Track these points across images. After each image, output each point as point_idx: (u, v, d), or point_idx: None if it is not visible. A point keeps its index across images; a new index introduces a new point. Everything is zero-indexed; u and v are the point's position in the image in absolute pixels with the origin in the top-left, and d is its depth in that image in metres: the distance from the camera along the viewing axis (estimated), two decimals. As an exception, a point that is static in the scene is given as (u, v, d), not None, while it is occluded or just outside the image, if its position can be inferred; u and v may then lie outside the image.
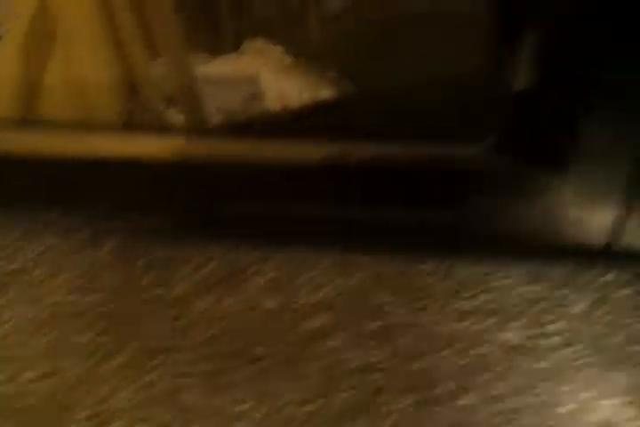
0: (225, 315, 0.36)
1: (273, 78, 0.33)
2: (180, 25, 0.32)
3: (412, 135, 0.31)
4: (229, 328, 0.35)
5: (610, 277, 0.35)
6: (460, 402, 0.31)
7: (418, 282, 0.36)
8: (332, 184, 0.32)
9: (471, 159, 0.30)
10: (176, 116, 0.36)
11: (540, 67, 0.26)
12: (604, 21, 0.24)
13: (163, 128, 0.35)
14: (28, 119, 0.37)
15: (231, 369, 0.33)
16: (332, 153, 0.31)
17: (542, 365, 0.32)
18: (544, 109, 0.28)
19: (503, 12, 0.27)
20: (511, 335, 0.33)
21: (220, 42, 0.34)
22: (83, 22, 0.33)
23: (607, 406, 0.31)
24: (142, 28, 0.33)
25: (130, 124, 0.36)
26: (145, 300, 0.37)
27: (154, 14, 0.32)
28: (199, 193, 0.36)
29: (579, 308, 0.34)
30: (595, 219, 0.31)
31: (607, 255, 0.33)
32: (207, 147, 0.34)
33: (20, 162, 0.36)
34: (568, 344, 0.33)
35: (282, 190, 0.33)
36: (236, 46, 0.34)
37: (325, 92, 0.32)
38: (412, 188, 0.31)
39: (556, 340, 0.33)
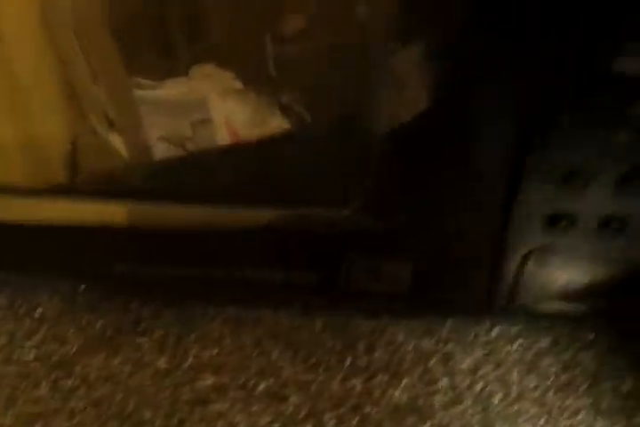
0: (111, 376, 0.35)
1: (221, 104, 0.33)
2: (118, 49, 0.31)
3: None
4: (115, 390, 0.34)
5: (496, 332, 0.36)
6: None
7: (312, 338, 0.36)
8: (211, 246, 0.32)
9: (339, 221, 0.30)
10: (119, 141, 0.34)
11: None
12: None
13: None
14: None
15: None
16: (206, 218, 0.31)
17: (428, 424, 0.32)
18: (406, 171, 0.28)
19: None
20: (399, 393, 0.33)
21: (168, 66, 0.33)
22: (26, 55, 0.33)
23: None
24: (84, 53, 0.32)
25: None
26: (26, 361, 0.36)
27: (91, 36, 0.31)
28: (93, 254, 0.35)
29: (466, 364, 0.34)
30: (471, 276, 0.31)
31: (491, 311, 0.34)
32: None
33: None
34: (455, 402, 0.33)
35: (166, 253, 0.33)
36: (184, 71, 0.32)
37: (275, 119, 0.32)
38: (285, 249, 0.32)
39: (443, 397, 0.33)
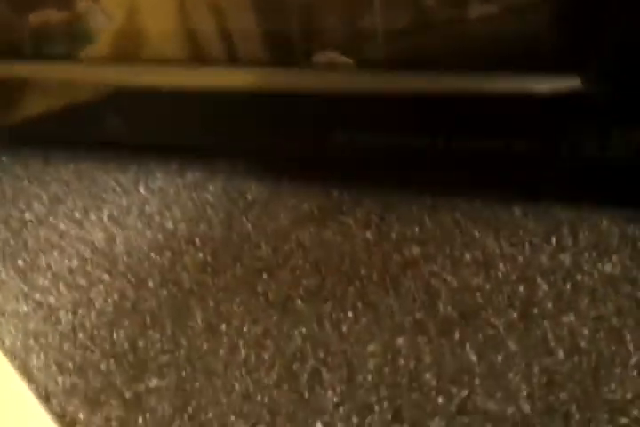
0: (325, 244, 0.37)
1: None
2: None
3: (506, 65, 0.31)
4: (331, 254, 0.37)
5: None
6: (563, 319, 0.31)
7: (512, 221, 0.37)
8: (422, 116, 0.34)
9: (569, 89, 0.30)
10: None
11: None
12: None
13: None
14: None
15: (335, 285, 0.35)
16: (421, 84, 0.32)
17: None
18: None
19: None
20: (610, 267, 0.33)
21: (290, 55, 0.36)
22: None
23: None
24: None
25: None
26: (246, 232, 0.39)
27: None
28: (304, 124, 0.37)
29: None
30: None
31: None
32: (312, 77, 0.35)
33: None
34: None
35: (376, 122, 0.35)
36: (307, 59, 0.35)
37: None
38: (507, 118, 0.33)
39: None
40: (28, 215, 0.44)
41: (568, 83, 0.31)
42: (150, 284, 0.36)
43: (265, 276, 0.36)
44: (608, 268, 0.34)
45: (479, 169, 0.37)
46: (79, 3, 0.39)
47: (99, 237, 0.41)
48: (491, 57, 0.32)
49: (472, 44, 0.33)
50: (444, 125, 0.35)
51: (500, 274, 0.34)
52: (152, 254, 0.38)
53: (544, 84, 0.31)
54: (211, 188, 0.43)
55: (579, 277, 0.33)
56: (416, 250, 0.36)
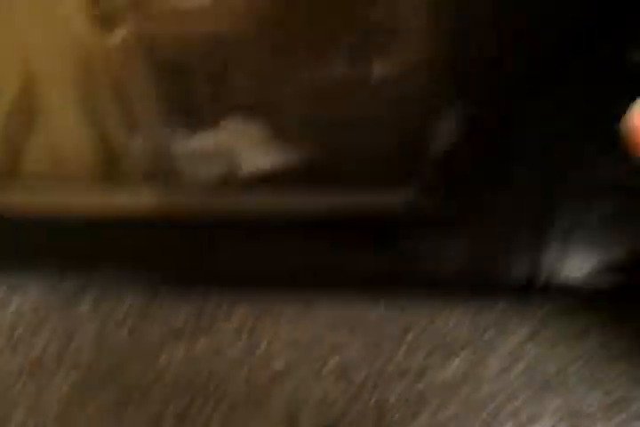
0: (196, 361, 0.39)
1: (249, 154, 0.35)
2: (158, 101, 0.34)
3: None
4: (201, 373, 0.38)
5: (543, 310, 0.39)
6: (414, 424, 0.34)
7: (372, 322, 0.40)
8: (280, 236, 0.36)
9: (397, 205, 0.33)
10: (151, 191, 0.38)
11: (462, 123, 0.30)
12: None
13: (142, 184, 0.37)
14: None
15: (202, 406, 0.36)
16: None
17: (482, 392, 0.35)
18: (463, 157, 0.32)
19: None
20: (455, 366, 0.37)
21: (198, 119, 0.35)
22: (64, 98, 0.36)
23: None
24: (121, 104, 0.35)
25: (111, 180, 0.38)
26: (121, 349, 0.40)
27: (133, 91, 0.35)
28: (175, 248, 0.39)
29: (516, 339, 0.38)
30: (515, 256, 0.35)
31: (537, 290, 0.38)
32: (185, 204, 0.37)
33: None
34: (506, 370, 0.36)
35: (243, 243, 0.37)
36: (214, 123, 0.35)
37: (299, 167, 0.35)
38: (346, 235, 0.35)
39: (494, 369, 0.36)
40: None
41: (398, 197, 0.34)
42: (13, 422, 0.36)
43: (137, 396, 0.36)
44: (456, 363, 0.37)
45: (338, 277, 0.40)
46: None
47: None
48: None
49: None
50: (296, 241, 0.37)
51: (357, 381, 0.36)
52: (18, 385, 0.38)
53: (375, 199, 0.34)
54: (85, 300, 0.43)
55: (428, 377, 0.36)
56: (281, 363, 0.38)
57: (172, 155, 0.36)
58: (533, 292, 0.38)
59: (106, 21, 0.33)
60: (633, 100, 0.25)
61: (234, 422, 0.35)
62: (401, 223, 0.34)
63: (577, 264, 0.35)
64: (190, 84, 0.34)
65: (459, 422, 0.34)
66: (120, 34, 0.33)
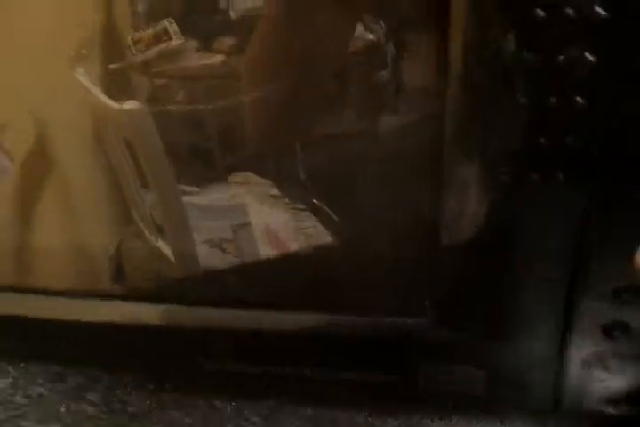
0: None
1: (259, 209, 0.34)
2: (170, 159, 0.34)
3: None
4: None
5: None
6: None
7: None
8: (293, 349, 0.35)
9: (414, 331, 0.33)
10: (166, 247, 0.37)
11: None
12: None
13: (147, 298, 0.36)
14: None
15: None
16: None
17: None
18: (477, 284, 0.31)
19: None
20: None
21: (208, 174, 0.36)
22: (77, 162, 0.37)
23: None
24: (135, 164, 0.36)
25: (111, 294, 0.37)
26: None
27: (144, 153, 0.35)
28: (180, 353, 0.37)
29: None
30: (538, 380, 0.34)
31: (558, 414, 0.35)
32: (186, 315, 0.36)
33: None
34: None
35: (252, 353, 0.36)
36: (224, 178, 0.35)
37: (308, 223, 0.34)
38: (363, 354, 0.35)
39: None
40: None
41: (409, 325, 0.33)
42: None
43: None
44: None
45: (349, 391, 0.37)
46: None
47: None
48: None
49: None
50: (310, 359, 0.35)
51: None
52: None
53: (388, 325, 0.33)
54: (91, 397, 0.38)
55: None
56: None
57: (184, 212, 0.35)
58: (552, 415, 0.35)
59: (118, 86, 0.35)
60: None
61: None
62: (417, 346, 0.33)
63: (596, 390, 0.33)
64: (201, 139, 0.35)
65: None
66: (128, 103, 0.34)
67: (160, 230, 0.37)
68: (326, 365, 0.35)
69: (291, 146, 0.32)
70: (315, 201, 0.33)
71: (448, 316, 0.32)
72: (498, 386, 0.34)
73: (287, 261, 0.35)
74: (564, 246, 0.29)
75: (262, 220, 0.34)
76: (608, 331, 0.31)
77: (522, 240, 0.29)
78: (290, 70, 0.31)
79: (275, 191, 0.34)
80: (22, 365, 0.42)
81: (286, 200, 0.34)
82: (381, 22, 0.30)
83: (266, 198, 0.34)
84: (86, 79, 0.33)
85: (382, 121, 0.31)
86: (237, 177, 0.35)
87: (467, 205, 0.28)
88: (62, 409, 0.39)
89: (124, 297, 0.36)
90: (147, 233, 0.37)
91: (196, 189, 0.35)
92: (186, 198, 0.35)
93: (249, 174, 0.34)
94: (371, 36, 0.30)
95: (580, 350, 0.32)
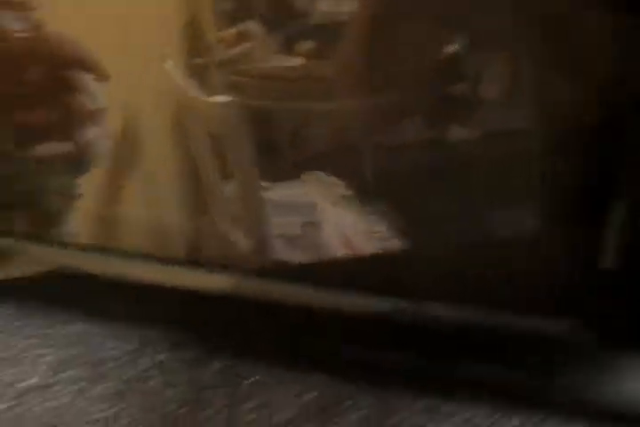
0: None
1: (329, 208, 0.36)
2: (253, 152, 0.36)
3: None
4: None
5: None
6: None
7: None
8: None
9: (556, 334, 0.31)
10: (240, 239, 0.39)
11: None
12: None
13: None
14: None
15: None
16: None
17: None
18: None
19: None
20: None
21: (281, 170, 0.37)
22: (160, 151, 0.39)
23: None
24: (217, 157, 0.38)
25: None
26: (246, 422, 0.39)
27: (232, 144, 0.36)
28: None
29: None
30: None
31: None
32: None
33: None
34: None
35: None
36: (296, 176, 0.37)
37: (379, 226, 0.35)
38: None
39: None
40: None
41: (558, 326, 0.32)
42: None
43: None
44: None
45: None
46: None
47: (99, 416, 0.41)
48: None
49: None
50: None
51: None
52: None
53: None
54: (211, 367, 0.42)
55: None
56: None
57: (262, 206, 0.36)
58: None
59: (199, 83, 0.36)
60: None
61: None
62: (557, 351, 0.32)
63: None
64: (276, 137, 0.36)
65: None
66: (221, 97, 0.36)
67: (236, 223, 0.38)
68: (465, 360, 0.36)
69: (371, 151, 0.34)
70: (385, 206, 0.35)
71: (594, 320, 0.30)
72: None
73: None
74: None
75: (332, 219, 0.36)
76: None
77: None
78: (379, 75, 0.31)
79: (346, 192, 0.35)
80: (145, 331, 0.46)
81: (357, 202, 0.35)
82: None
83: (337, 199, 0.35)
84: (176, 72, 0.36)
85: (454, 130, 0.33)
86: (309, 176, 0.36)
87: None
88: (184, 376, 0.44)
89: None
90: (221, 225, 0.39)
91: (269, 184, 0.37)
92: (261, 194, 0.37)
93: (321, 174, 0.35)
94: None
95: None
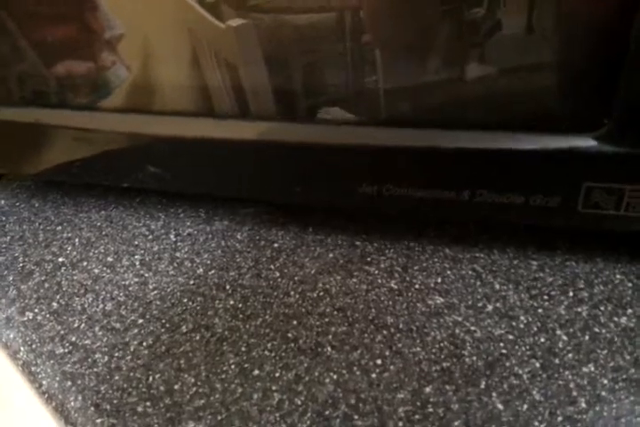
0: (351, 292, 0.39)
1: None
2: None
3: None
4: (357, 302, 0.38)
5: None
6: (583, 369, 0.33)
7: (530, 274, 0.39)
8: (444, 171, 0.36)
9: (586, 149, 0.32)
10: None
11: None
12: None
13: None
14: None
15: (363, 332, 0.36)
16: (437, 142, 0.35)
17: (658, 344, 0.34)
18: None
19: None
20: (626, 319, 0.35)
21: (295, 110, 0.38)
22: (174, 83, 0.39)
23: None
24: (234, 89, 0.38)
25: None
26: (274, 280, 0.41)
27: (247, 75, 0.37)
28: (332, 177, 0.39)
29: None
30: None
31: None
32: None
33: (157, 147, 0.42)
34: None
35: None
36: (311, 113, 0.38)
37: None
38: (527, 174, 0.35)
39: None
40: (61, 259, 0.46)
41: (582, 143, 0.33)
42: (184, 328, 0.38)
43: (294, 322, 0.37)
44: (624, 320, 0.35)
45: (499, 222, 0.39)
46: (101, 55, 0.41)
47: (132, 281, 0.43)
48: (503, 117, 0.35)
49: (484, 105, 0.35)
50: (467, 181, 0.37)
51: (521, 325, 0.36)
52: (184, 300, 0.40)
53: (559, 144, 0.34)
54: (238, 236, 0.45)
55: (596, 328, 0.35)
56: (439, 300, 0.38)
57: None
58: None
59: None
60: None
61: (397, 348, 0.35)
62: (585, 163, 0.33)
63: None
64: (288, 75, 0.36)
65: (636, 364, 0.33)
66: (235, 20, 0.35)
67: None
68: (487, 186, 0.35)
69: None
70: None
71: (623, 126, 0.31)
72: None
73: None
74: None
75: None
76: None
77: None
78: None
79: None
80: (172, 210, 0.49)
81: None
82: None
83: None
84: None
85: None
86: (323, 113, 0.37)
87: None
88: (212, 245, 0.47)
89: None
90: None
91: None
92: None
93: (337, 110, 0.36)
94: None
95: None
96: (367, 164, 0.38)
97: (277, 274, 0.41)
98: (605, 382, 0.32)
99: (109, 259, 0.45)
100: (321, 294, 0.39)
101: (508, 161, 0.35)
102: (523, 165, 0.35)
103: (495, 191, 0.36)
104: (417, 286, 0.39)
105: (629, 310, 0.36)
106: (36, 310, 0.41)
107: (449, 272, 0.40)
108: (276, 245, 0.44)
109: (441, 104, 0.36)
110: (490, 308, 0.37)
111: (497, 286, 0.39)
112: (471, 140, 0.35)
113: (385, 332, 0.36)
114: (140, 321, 0.39)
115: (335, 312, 0.38)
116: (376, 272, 0.41)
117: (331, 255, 0.42)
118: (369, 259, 0.42)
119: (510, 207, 0.37)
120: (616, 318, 0.36)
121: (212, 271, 0.42)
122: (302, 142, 0.39)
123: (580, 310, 0.36)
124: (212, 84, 0.39)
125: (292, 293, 0.40)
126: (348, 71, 0.36)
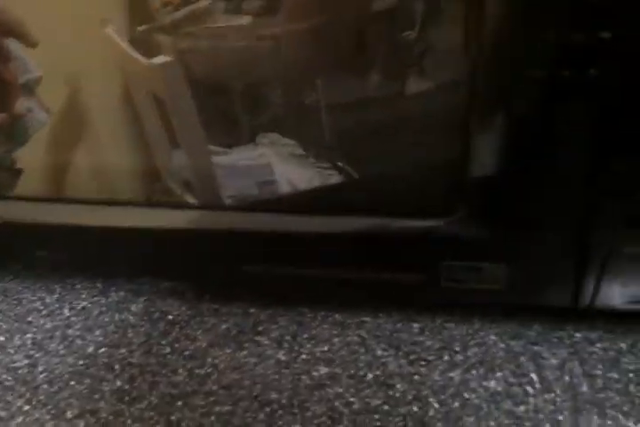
0: (239, 367, 0.40)
1: (284, 167, 0.37)
2: (199, 119, 0.37)
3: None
4: (244, 377, 0.39)
5: (577, 337, 0.40)
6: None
7: (411, 338, 0.41)
8: (326, 250, 0.38)
9: (443, 230, 0.35)
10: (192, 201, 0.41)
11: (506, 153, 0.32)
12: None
13: (181, 204, 0.40)
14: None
15: (246, 410, 0.37)
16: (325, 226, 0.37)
17: (521, 408, 0.36)
18: (507, 186, 0.33)
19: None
20: (494, 383, 0.37)
21: (235, 135, 0.38)
22: (109, 117, 0.39)
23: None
24: (164, 122, 0.38)
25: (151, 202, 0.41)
26: (165, 354, 0.41)
27: (175, 110, 0.37)
28: (216, 259, 0.41)
29: (554, 361, 0.38)
30: (559, 281, 0.36)
31: (577, 314, 0.39)
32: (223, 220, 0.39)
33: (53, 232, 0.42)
34: (545, 391, 0.37)
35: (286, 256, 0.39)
36: (251, 139, 0.37)
37: (333, 180, 0.37)
38: (392, 254, 0.38)
39: (534, 387, 0.37)
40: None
41: (438, 226, 0.36)
42: (69, 414, 0.38)
43: (179, 403, 0.38)
44: (492, 384, 0.37)
45: (376, 293, 0.41)
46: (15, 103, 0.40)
47: (22, 363, 0.42)
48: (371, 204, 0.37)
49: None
50: (338, 262, 0.39)
51: (397, 394, 0.37)
52: (72, 382, 0.40)
53: (418, 227, 0.36)
54: (133, 307, 0.45)
55: (466, 394, 0.37)
56: (324, 371, 0.39)
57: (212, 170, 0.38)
58: (571, 315, 0.39)
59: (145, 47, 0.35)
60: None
61: (281, 423, 0.36)
62: (443, 244, 0.36)
63: (615, 287, 0.36)
64: (227, 101, 0.36)
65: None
66: (159, 58, 0.35)
67: (188, 188, 0.40)
68: (357, 265, 0.38)
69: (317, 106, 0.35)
70: (339, 162, 0.37)
71: (474, 212, 0.34)
72: (519, 281, 0.36)
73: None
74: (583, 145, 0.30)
75: (287, 177, 0.38)
76: (631, 224, 0.32)
77: (548, 137, 0.31)
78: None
79: (300, 151, 0.37)
80: (68, 280, 0.48)
81: (311, 160, 0.37)
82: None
83: (291, 158, 0.37)
84: (117, 36, 0.35)
85: (408, 83, 0.33)
86: (264, 138, 0.37)
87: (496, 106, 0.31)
88: (106, 319, 0.46)
89: (159, 204, 0.40)
90: (175, 190, 0.40)
91: (223, 149, 0.38)
92: (213, 159, 0.38)
93: (275, 135, 0.36)
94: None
95: (601, 245, 0.34)
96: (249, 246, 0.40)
97: (168, 349, 0.42)
98: (470, 449, 0.34)
99: (1, 338, 0.44)
100: (209, 370, 0.40)
101: (372, 243, 0.37)
102: (387, 246, 0.37)
103: (366, 270, 0.38)
104: (304, 357, 0.40)
105: (498, 373, 0.38)
106: None
107: (336, 340, 0.42)
108: (170, 317, 0.44)
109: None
110: (370, 376, 0.39)
111: (379, 353, 0.40)
112: (340, 225, 0.37)
113: (268, 409, 0.37)
114: (27, 408, 0.39)
115: (221, 390, 0.38)
116: (266, 342, 0.42)
117: (224, 326, 0.43)
118: (260, 328, 0.43)
119: (380, 284, 0.39)
120: (485, 383, 0.38)
121: (103, 349, 0.42)
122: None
123: (453, 374, 0.38)
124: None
125: (181, 370, 0.40)
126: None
